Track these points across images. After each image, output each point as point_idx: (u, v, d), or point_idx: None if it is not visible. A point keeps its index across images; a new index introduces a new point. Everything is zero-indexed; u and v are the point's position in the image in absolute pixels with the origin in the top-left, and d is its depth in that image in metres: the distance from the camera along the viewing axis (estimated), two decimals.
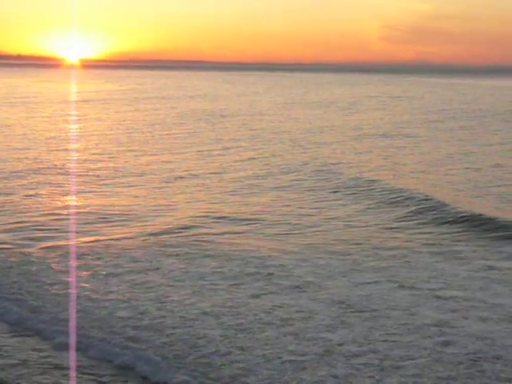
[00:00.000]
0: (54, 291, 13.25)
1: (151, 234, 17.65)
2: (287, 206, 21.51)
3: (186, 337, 11.09)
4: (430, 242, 17.25)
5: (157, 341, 10.92)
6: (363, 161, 31.43)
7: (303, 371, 9.94)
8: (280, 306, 12.46)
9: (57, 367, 10.10)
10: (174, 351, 10.56)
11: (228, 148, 35.66)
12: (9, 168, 27.71)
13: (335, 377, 9.74)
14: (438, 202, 21.02)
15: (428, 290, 13.43)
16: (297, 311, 12.21)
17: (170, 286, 13.64)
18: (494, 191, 24.06)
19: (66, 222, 18.98)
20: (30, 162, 29.55)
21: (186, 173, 27.50)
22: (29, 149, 33.77)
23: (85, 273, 14.40)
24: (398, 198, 22.09)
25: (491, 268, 14.96)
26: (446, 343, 10.82)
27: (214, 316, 11.99)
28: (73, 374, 9.87)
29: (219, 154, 33.17)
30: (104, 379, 9.88)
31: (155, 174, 27.04)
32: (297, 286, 13.60)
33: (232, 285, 13.68)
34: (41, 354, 10.57)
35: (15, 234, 17.63)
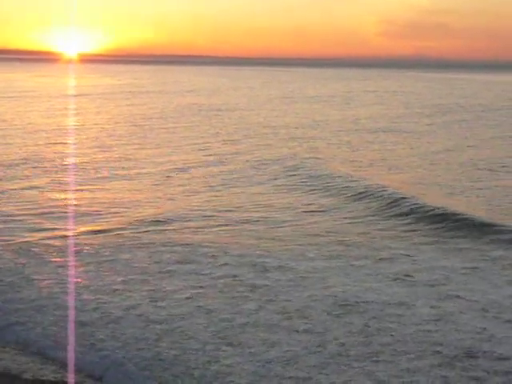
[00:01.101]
0: (43, 284, 13.14)
1: (146, 225, 17.59)
2: (271, 199, 21.41)
3: (174, 332, 10.90)
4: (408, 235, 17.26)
5: (143, 336, 10.74)
6: (349, 155, 31.28)
7: (292, 367, 9.78)
8: (274, 301, 12.38)
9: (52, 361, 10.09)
10: (159, 348, 10.32)
11: (221, 141, 35.66)
12: (6, 161, 27.66)
13: (325, 372, 9.61)
14: (412, 197, 20.80)
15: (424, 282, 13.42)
16: (292, 306, 12.14)
17: (164, 279, 13.57)
18: (476, 186, 23.94)
19: (61, 214, 18.92)
20: (26, 154, 29.46)
21: (181, 165, 27.48)
22: (26, 142, 33.72)
23: (78, 265, 14.27)
24: (369, 193, 21.81)
25: (488, 260, 14.97)
26: (442, 335, 10.81)
27: (205, 311, 11.85)
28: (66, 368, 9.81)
29: (210, 147, 33.19)
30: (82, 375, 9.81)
31: (150, 167, 26.97)
32: (291, 280, 13.56)
33: (227, 279, 13.59)
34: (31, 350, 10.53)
35: (7, 225, 17.61)
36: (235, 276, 13.71)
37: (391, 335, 10.79)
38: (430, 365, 9.82)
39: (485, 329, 11.10)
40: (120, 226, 17.62)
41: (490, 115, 55.41)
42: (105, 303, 12.14)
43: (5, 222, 17.99)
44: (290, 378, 9.44)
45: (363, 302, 12.23)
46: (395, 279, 13.63)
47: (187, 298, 12.41)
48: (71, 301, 12.19)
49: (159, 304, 12.11)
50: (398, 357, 10.04)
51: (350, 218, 19.14)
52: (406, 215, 19.24)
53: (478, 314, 11.75)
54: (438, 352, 10.22)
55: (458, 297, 12.62)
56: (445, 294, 12.72)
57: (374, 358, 9.98)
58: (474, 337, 10.77)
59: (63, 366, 9.89)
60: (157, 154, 30.84)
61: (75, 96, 69.23)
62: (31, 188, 22.50)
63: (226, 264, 14.50)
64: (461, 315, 11.71)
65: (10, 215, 18.71)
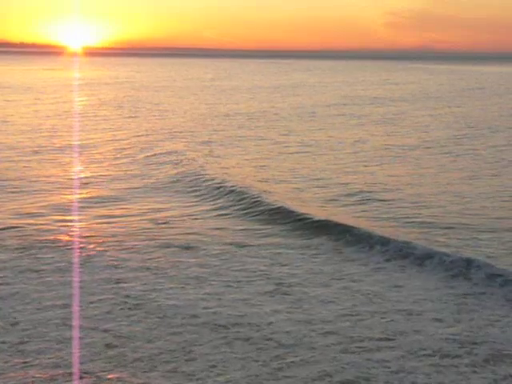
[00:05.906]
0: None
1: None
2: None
3: (147, 324, 10.43)
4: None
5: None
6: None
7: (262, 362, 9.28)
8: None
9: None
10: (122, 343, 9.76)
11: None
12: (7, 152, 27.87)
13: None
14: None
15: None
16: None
17: (165, 274, 12.99)
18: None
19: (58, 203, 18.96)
20: (31, 144, 30.06)
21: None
22: (32, 134, 34.22)
23: (85, 255, 13.84)
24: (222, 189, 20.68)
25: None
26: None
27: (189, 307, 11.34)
28: None
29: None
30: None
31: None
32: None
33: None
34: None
35: None
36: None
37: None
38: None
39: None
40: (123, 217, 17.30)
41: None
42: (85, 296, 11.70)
43: None
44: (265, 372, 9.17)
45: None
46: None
47: (171, 295, 11.92)
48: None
49: (154, 299, 11.59)
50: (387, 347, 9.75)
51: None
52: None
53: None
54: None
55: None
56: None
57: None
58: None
59: None
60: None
61: (79, 86, 70.39)
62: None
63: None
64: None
65: None
